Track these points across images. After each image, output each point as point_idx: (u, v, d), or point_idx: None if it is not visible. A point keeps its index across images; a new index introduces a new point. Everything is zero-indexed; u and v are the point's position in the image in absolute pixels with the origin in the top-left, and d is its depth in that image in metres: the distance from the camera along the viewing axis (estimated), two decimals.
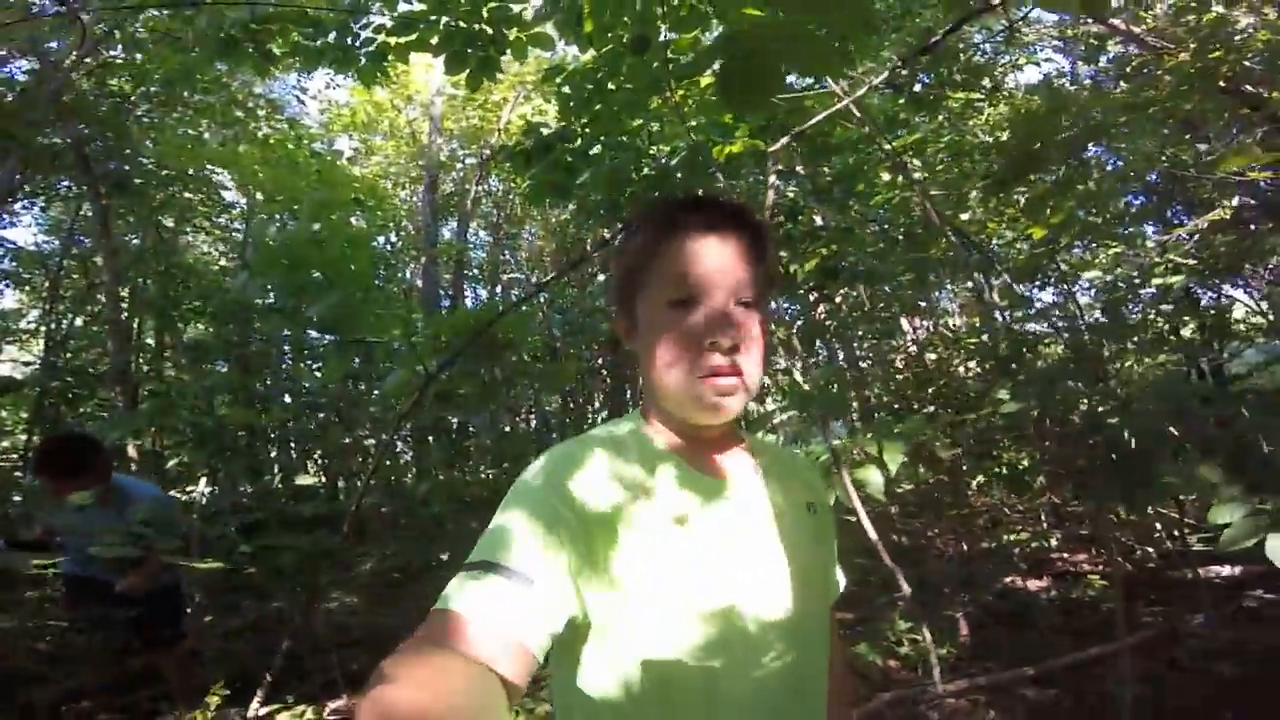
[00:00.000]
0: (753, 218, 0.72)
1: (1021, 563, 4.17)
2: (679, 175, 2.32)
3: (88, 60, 4.74)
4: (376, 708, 0.42)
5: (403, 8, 2.35)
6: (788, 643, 0.67)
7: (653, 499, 0.66)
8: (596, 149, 2.55)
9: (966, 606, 3.30)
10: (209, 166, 6.20)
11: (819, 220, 4.08)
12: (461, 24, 2.36)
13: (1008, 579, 4.00)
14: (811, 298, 4.57)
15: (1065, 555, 4.51)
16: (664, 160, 2.35)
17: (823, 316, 5.58)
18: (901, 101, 3.28)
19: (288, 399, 4.98)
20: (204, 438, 4.39)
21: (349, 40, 2.50)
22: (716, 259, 0.68)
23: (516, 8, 2.34)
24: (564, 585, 0.58)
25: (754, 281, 0.69)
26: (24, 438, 7.27)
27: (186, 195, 7.02)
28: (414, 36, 2.46)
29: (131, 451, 5.89)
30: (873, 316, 5.91)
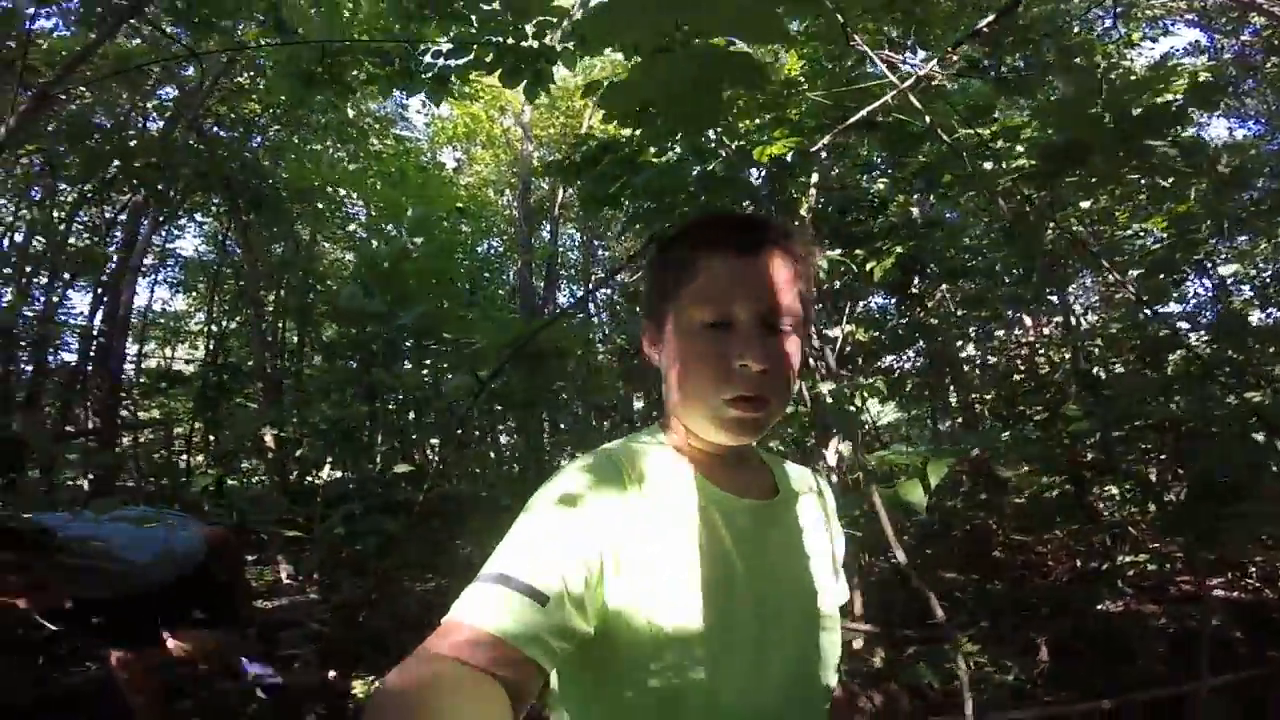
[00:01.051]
0: (796, 240, 0.71)
1: (1133, 585, 3.75)
2: (720, 176, 2.31)
3: (217, 89, 5.43)
4: (380, 714, 0.44)
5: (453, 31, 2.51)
6: (798, 659, 0.69)
7: (671, 514, 0.67)
8: (644, 158, 2.59)
9: (1051, 630, 3.04)
10: (327, 180, 6.87)
11: (877, 209, 3.87)
12: (510, 41, 2.49)
13: (1119, 602, 3.62)
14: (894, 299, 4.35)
15: (1188, 579, 4.01)
16: (708, 168, 2.36)
17: (916, 316, 5.28)
18: (982, 85, 3.04)
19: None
20: (330, 429, 4.92)
21: (412, 66, 2.69)
22: (756, 282, 0.67)
23: (558, 25, 2.43)
24: (577, 601, 0.57)
25: (792, 306, 0.68)
26: (189, 426, 8.47)
27: (317, 206, 7.81)
28: (470, 57, 2.63)
29: (269, 440, 6.68)
30: (970, 317, 5.50)
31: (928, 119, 1.87)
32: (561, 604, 0.55)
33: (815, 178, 2.15)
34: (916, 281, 4.78)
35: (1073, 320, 5.93)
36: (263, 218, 6.44)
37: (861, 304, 5.15)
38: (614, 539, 0.61)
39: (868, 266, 3.73)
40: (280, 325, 8.81)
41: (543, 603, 0.54)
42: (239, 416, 6.98)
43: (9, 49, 2.77)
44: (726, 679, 0.63)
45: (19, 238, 7.15)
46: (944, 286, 5.29)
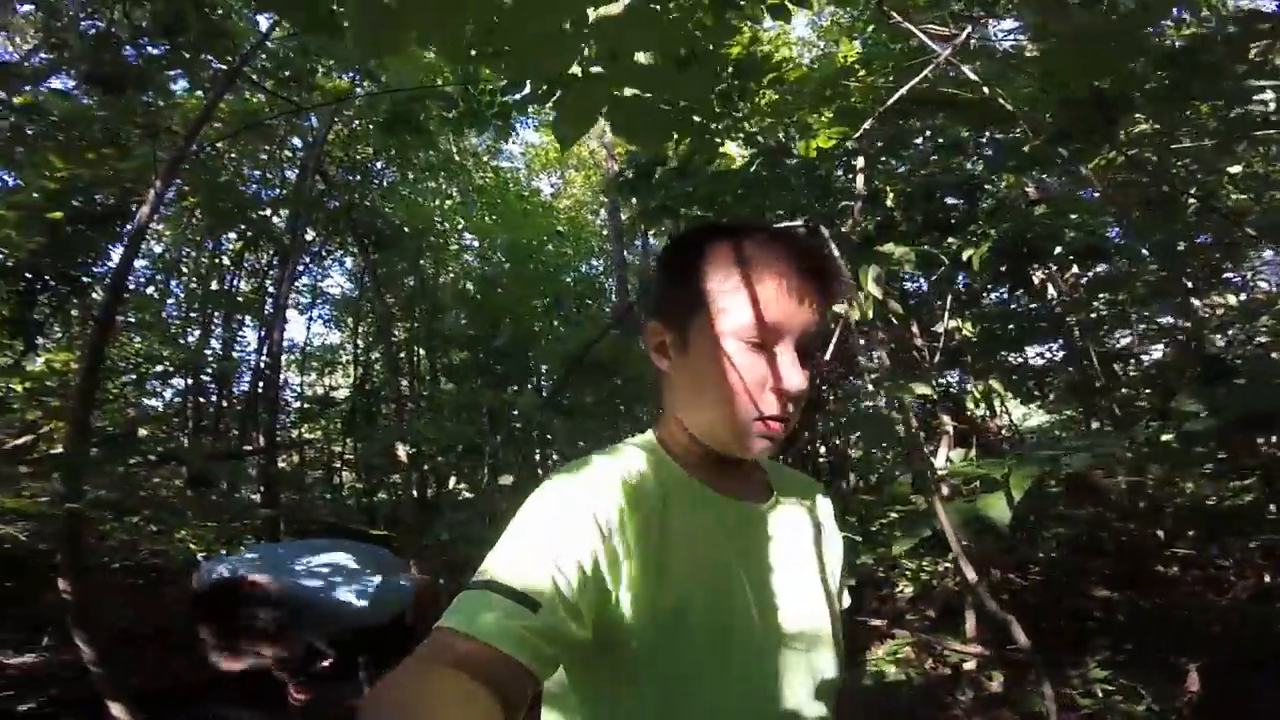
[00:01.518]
0: (832, 263, 0.74)
1: None
2: (761, 174, 2.24)
3: (333, 137, 6.08)
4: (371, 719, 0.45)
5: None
6: (798, 660, 0.69)
7: (670, 519, 0.66)
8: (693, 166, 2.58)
9: (1207, 654, 2.62)
10: (439, 216, 7.45)
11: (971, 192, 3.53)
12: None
13: None
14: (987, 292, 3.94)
15: None
16: (748, 169, 2.29)
17: (1047, 305, 4.77)
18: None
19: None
20: (454, 446, 5.33)
21: (475, 106, 2.87)
22: (799, 305, 0.67)
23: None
24: (571, 607, 0.56)
25: (821, 331, 0.70)
26: (341, 445, 9.48)
27: (433, 240, 8.49)
28: (524, 93, 2.75)
29: (401, 455, 7.31)
30: (1112, 302, 4.85)
31: (985, 88, 1.70)
32: (554, 610, 0.54)
33: (861, 162, 2.02)
34: (1035, 267, 4.30)
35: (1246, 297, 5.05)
36: (387, 255, 7.10)
37: (972, 296, 4.71)
38: (607, 543, 0.61)
39: (965, 255, 3.43)
40: (412, 352, 9.66)
41: (533, 609, 0.53)
42: (378, 436, 7.70)
43: (152, 118, 3.29)
44: (726, 682, 0.63)
45: (194, 283, 8.41)
46: (1073, 270, 4.73)
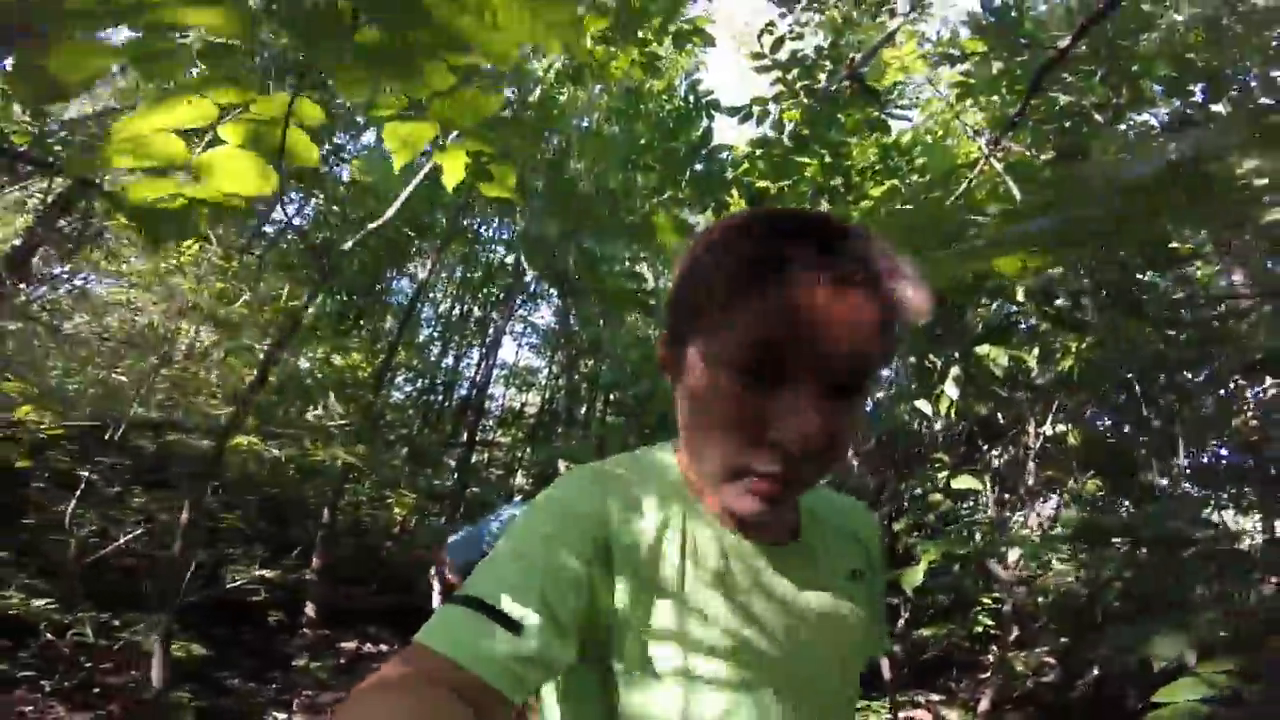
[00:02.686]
0: (895, 268, 0.51)
1: None
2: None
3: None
4: None
5: None
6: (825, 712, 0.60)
7: (673, 549, 0.58)
8: None
9: None
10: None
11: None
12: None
13: None
14: None
15: None
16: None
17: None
18: None
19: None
20: None
21: (623, 212, 3.96)
22: (824, 325, 0.48)
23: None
24: (557, 628, 0.51)
25: (867, 361, 0.51)
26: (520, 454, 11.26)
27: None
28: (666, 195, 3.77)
29: (561, 470, 8.65)
30: None
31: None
32: (538, 632, 0.49)
33: None
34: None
35: None
36: (580, 301, 8.63)
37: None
38: (599, 559, 0.55)
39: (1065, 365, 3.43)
40: (594, 385, 11.19)
41: (515, 630, 0.49)
42: (547, 449, 9.20)
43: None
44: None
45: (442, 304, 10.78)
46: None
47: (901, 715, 4.07)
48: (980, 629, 4.58)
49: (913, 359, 3.72)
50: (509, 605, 0.50)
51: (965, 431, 4.72)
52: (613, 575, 0.56)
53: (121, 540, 3.77)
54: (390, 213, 1.91)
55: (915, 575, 2.34)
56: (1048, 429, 4.03)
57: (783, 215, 0.55)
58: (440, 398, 11.20)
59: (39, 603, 3.20)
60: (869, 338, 0.50)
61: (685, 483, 0.63)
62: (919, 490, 3.95)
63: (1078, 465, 4.28)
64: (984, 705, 3.97)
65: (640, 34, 3.68)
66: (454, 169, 1.24)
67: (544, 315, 12.06)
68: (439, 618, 0.51)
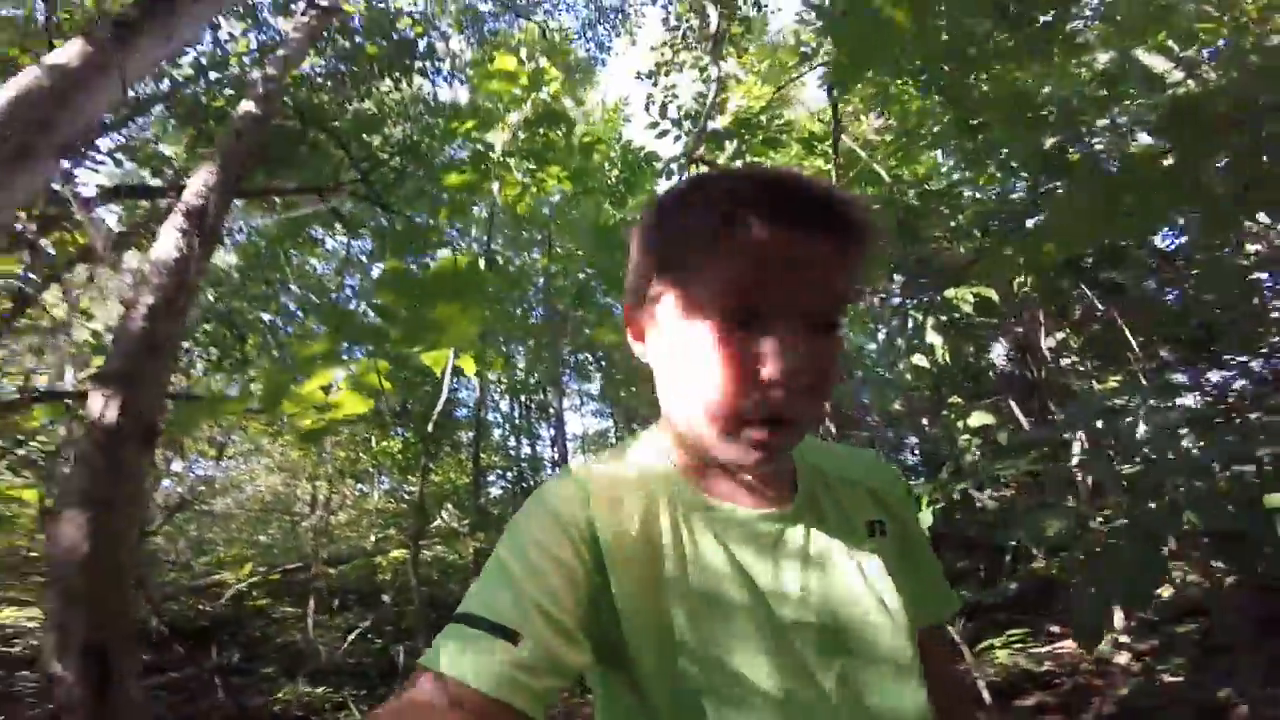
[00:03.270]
0: (853, 208, 0.54)
1: None
2: None
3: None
4: None
5: None
6: (856, 699, 0.56)
7: (671, 541, 0.58)
8: None
9: None
10: None
11: None
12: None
13: None
14: None
15: None
16: None
17: None
18: None
19: None
20: None
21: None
22: (797, 264, 0.51)
23: None
24: (561, 631, 0.51)
25: (840, 296, 0.54)
26: None
27: None
28: None
29: None
30: None
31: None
32: (538, 639, 0.50)
33: None
34: None
35: None
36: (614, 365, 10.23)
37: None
38: (594, 558, 0.55)
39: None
40: None
41: (514, 640, 0.49)
42: None
43: None
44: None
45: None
46: None
47: None
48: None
49: (895, 321, 3.97)
50: (502, 615, 0.50)
51: (974, 371, 4.84)
52: (606, 576, 0.55)
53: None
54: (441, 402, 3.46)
55: (925, 517, 2.39)
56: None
57: (745, 171, 0.56)
58: (530, 481, 12.84)
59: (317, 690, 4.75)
60: (836, 274, 0.52)
61: (677, 465, 0.62)
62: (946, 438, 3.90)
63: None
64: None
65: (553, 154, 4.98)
66: (467, 365, 2.83)
67: (595, 384, 13.62)
68: (438, 640, 0.51)
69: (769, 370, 0.51)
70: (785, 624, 0.57)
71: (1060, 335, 4.21)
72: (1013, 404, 3.90)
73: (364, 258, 9.10)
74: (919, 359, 3.57)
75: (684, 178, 0.67)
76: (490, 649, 0.49)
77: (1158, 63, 2.04)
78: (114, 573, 1.98)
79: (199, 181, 2.73)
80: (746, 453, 0.54)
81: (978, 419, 3.40)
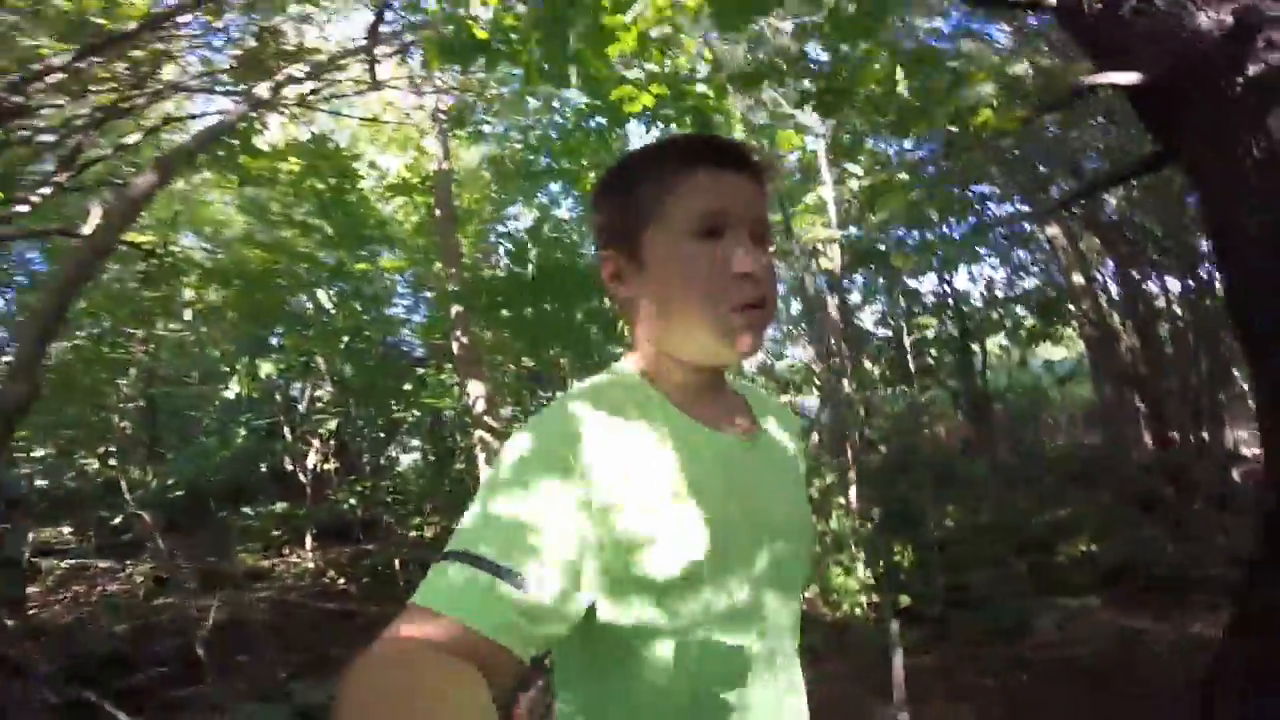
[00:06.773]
0: (759, 154, 0.72)
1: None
2: None
3: None
4: (348, 707, 0.41)
5: None
6: (789, 594, 0.69)
7: (665, 461, 0.63)
8: None
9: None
10: None
11: None
12: None
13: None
14: None
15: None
16: None
17: None
18: None
19: None
20: None
21: None
22: (741, 192, 0.67)
23: None
24: (560, 576, 0.52)
25: (765, 214, 0.70)
26: None
27: None
28: None
29: None
30: None
31: None
32: (541, 582, 0.50)
33: None
34: None
35: None
36: None
37: None
38: (600, 495, 0.57)
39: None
40: None
41: (517, 584, 0.49)
42: None
43: None
44: (727, 625, 0.61)
45: None
46: None
47: None
48: None
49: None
50: (500, 555, 0.49)
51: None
52: (606, 503, 0.56)
53: None
54: None
55: None
56: None
57: (690, 136, 0.76)
58: None
59: None
60: (761, 199, 0.69)
61: (659, 393, 0.68)
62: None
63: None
64: None
65: None
66: None
67: None
68: (434, 577, 0.50)
69: (739, 263, 0.64)
70: (763, 530, 0.67)
71: None
72: None
73: None
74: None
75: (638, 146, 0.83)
76: (494, 590, 0.49)
77: None
78: None
79: None
80: (743, 336, 0.64)
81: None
